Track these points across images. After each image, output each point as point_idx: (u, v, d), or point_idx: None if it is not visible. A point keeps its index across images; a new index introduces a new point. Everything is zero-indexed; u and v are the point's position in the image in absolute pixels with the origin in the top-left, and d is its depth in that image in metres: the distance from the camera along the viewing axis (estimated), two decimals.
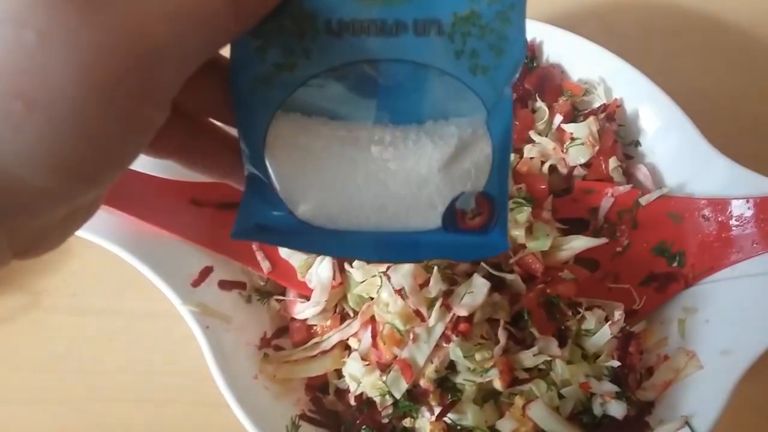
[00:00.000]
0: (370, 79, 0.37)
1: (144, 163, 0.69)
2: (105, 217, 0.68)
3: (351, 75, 0.37)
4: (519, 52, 0.38)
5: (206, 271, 0.71)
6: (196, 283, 0.70)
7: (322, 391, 0.71)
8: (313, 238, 0.39)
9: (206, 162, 0.42)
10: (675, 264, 0.70)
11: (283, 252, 0.74)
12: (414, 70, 0.37)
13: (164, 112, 0.31)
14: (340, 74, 0.37)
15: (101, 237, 0.67)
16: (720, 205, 0.68)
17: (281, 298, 0.74)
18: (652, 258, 0.71)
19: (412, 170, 0.39)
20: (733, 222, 0.68)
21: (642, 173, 0.75)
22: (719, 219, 0.68)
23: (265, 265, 0.73)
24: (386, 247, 0.39)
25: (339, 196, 0.39)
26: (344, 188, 0.39)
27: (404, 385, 0.64)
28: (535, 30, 0.80)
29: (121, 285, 0.82)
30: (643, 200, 0.72)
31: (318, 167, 0.39)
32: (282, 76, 0.37)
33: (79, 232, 0.67)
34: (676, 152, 0.73)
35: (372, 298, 0.68)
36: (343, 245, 0.39)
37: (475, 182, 0.40)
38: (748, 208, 0.67)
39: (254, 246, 0.74)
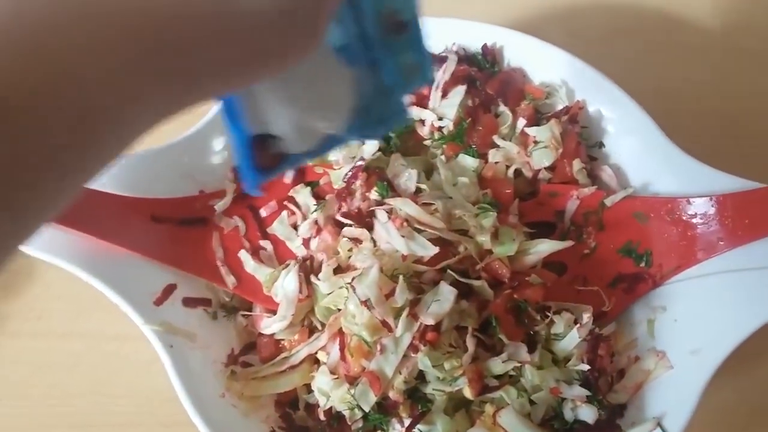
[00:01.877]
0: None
1: (101, 181, 0.69)
2: (63, 237, 0.67)
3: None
4: None
5: (169, 289, 0.70)
6: (159, 302, 0.68)
7: (292, 407, 0.70)
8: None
9: None
10: (642, 264, 0.70)
11: (249, 266, 0.73)
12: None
13: None
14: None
15: (59, 258, 0.66)
16: (684, 203, 0.68)
17: (248, 313, 0.73)
18: (619, 259, 0.71)
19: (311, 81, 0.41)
20: (697, 220, 0.67)
21: (607, 174, 0.75)
22: (684, 218, 0.68)
23: (230, 280, 0.72)
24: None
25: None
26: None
27: (373, 398, 0.63)
28: (495, 34, 0.80)
29: (85, 307, 0.81)
30: (609, 201, 0.72)
31: None
32: None
33: (36, 254, 0.66)
34: (640, 152, 0.73)
35: (340, 310, 0.68)
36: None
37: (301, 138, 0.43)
38: (712, 206, 0.67)
39: (218, 261, 0.73)
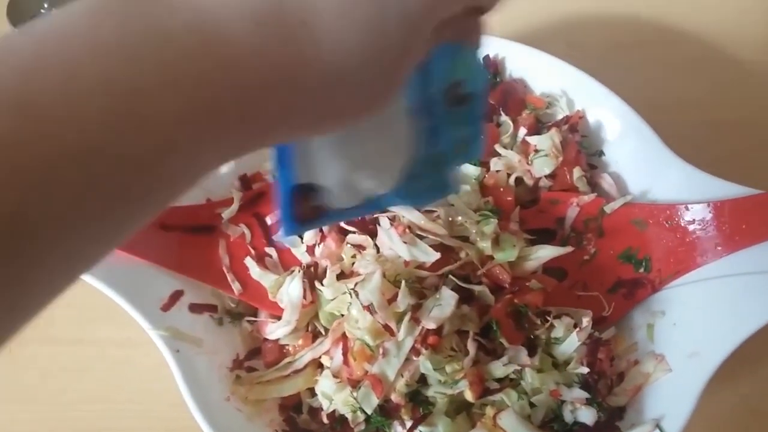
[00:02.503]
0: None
1: None
2: None
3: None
4: None
5: (176, 295, 0.71)
6: (166, 308, 0.70)
7: (296, 411, 0.71)
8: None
9: None
10: (642, 270, 0.71)
11: (254, 273, 0.74)
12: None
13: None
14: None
15: None
16: (682, 210, 0.69)
17: (253, 319, 0.74)
18: (619, 265, 0.72)
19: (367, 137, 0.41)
20: (695, 226, 0.68)
21: (606, 182, 0.76)
22: (682, 224, 0.69)
23: (236, 287, 0.73)
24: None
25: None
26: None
27: (375, 401, 0.63)
28: (498, 46, 0.82)
29: (94, 313, 0.81)
30: (608, 208, 0.73)
31: None
32: None
33: None
34: (639, 160, 0.74)
35: (343, 315, 0.69)
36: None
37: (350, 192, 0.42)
38: (709, 212, 0.67)
39: (224, 268, 0.74)
